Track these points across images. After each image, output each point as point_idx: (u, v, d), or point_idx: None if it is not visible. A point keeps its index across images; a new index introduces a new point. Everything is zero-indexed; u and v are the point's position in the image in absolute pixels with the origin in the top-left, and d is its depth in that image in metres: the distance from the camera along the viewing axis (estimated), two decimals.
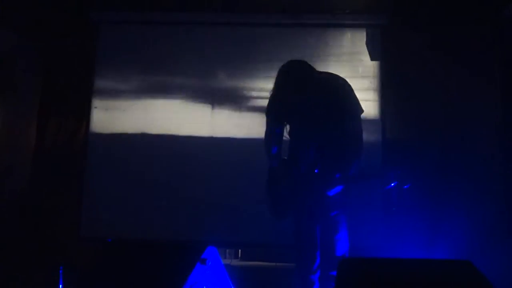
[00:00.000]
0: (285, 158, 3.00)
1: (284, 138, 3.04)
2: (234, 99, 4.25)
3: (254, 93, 4.18)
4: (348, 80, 2.99)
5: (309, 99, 2.86)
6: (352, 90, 2.92)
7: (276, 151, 3.01)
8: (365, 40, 4.23)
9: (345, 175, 2.75)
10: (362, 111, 2.91)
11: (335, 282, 2.05)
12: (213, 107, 4.25)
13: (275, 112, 2.99)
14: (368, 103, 3.99)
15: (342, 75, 3.03)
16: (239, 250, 4.18)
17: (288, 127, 3.01)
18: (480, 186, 3.87)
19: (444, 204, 3.85)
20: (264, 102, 3.13)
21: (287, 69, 2.94)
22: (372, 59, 4.19)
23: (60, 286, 2.58)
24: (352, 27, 4.27)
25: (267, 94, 3.07)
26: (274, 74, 3.00)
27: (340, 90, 2.90)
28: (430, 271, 1.92)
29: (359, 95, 2.97)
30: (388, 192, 2.77)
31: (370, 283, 1.87)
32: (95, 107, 4.30)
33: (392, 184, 2.69)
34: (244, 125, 4.17)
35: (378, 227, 3.89)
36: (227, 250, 4.09)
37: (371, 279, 1.90)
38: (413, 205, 3.41)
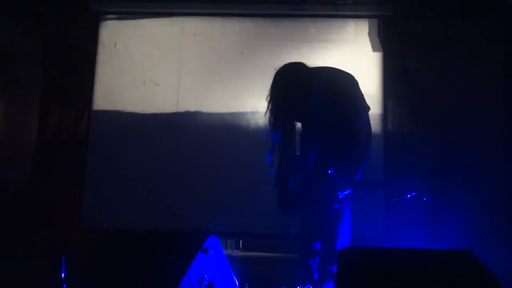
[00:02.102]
0: (297, 154, 2.81)
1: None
2: (237, 94, 4.23)
3: (256, 91, 4.16)
4: (349, 71, 2.83)
5: (312, 99, 2.68)
6: (358, 86, 2.76)
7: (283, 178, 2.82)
8: (367, 31, 4.22)
9: (352, 179, 2.67)
10: (369, 108, 2.78)
11: (336, 270, 2.04)
12: (214, 98, 4.25)
13: (275, 119, 2.76)
14: (370, 95, 3.96)
15: (344, 67, 2.89)
16: (240, 241, 4.19)
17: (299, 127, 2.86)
18: (482, 179, 3.87)
19: (446, 197, 3.85)
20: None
21: (282, 72, 2.73)
22: (374, 50, 4.17)
23: (62, 275, 2.58)
24: (355, 18, 4.24)
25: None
26: (275, 68, 2.84)
27: (345, 86, 2.73)
28: (431, 260, 1.92)
29: (361, 87, 2.83)
30: (405, 201, 2.63)
31: (371, 272, 1.88)
32: (96, 98, 4.30)
33: (410, 195, 2.55)
34: (246, 115, 4.18)
35: (378, 219, 3.90)
36: (229, 241, 4.10)
37: (372, 268, 1.90)
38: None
